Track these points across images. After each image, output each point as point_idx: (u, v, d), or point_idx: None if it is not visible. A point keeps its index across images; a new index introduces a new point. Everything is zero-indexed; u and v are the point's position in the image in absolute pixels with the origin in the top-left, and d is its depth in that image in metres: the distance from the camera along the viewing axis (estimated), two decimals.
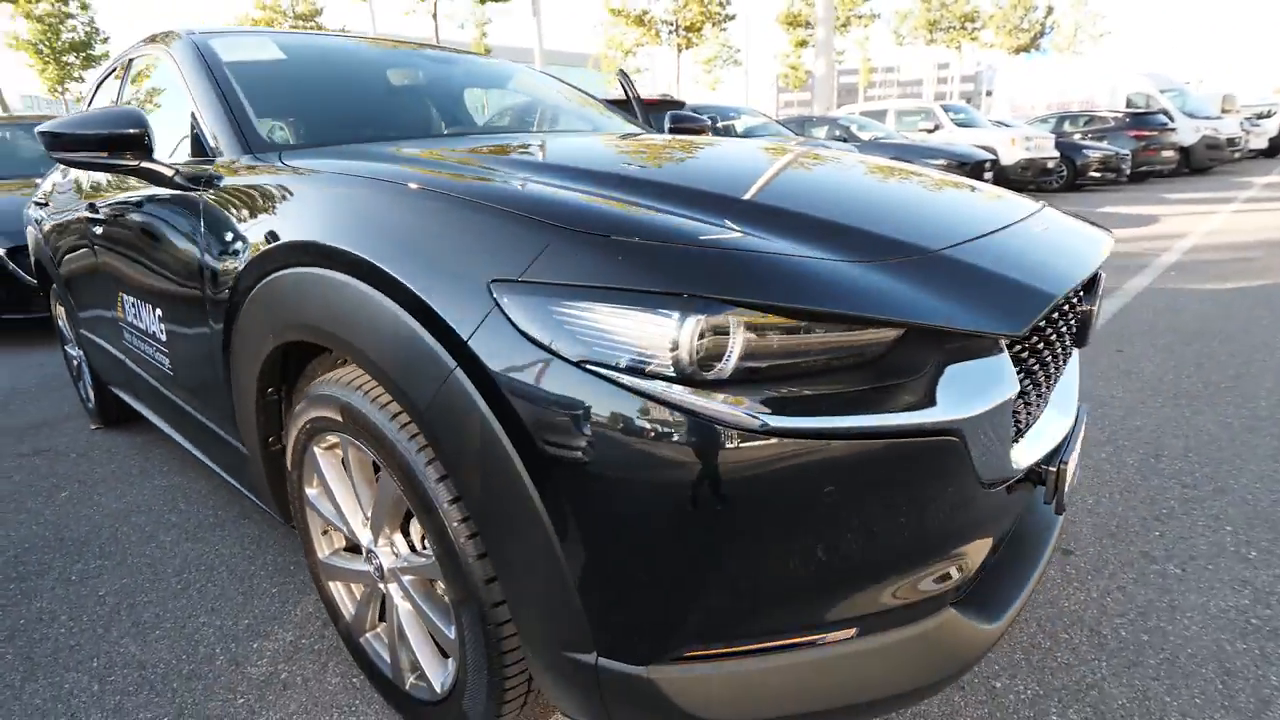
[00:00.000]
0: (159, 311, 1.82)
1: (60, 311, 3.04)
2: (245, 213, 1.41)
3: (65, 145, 1.60)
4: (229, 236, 1.44)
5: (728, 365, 0.86)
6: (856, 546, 0.93)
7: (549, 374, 0.88)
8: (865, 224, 1.08)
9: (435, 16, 21.17)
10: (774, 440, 0.84)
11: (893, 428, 0.88)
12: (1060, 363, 1.34)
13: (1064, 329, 1.27)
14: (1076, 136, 13.58)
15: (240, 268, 1.37)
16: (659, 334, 0.85)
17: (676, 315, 0.85)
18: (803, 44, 31.21)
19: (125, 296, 2.04)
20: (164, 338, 1.84)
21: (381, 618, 1.44)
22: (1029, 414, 1.19)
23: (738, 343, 0.86)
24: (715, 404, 0.84)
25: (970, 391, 0.93)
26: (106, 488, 2.50)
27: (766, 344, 0.87)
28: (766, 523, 0.88)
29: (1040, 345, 1.17)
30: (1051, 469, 1.25)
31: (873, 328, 0.90)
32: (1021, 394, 1.13)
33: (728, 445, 0.84)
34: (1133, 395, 2.94)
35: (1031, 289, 1.01)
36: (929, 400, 0.92)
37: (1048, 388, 1.28)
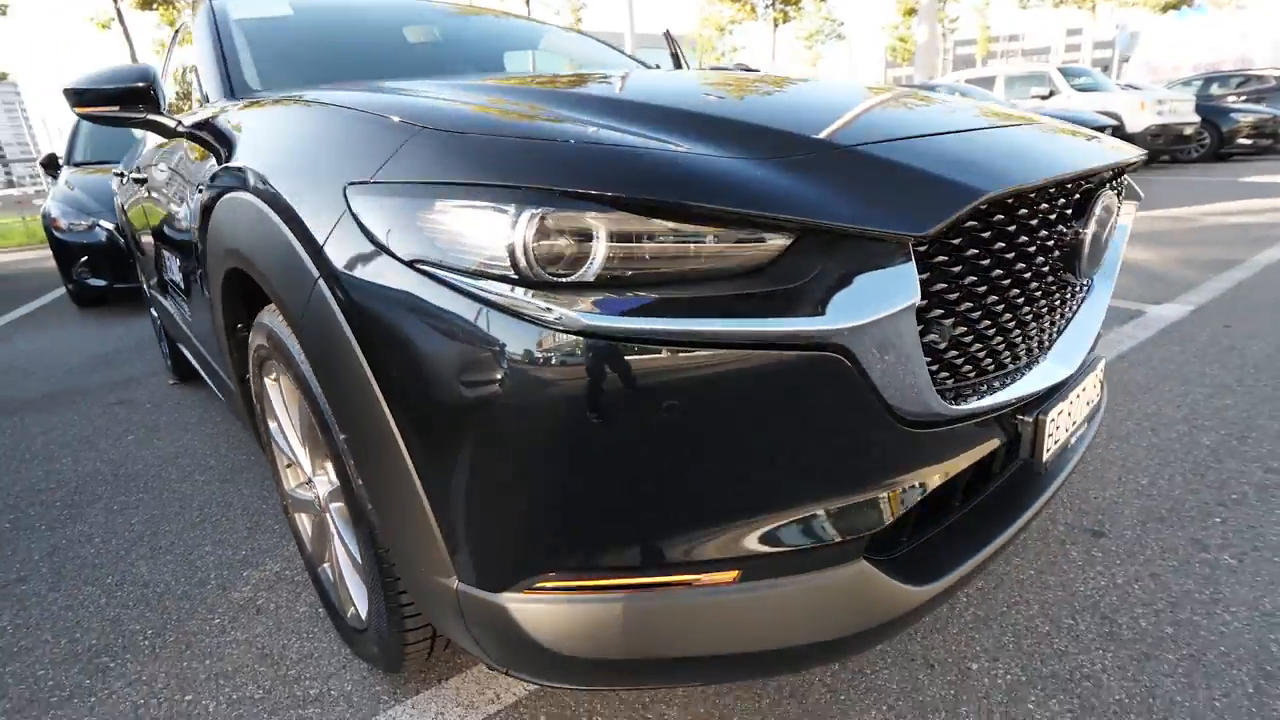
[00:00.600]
0: (176, 261, 1.96)
1: (142, 277, 3.36)
2: (204, 150, 1.48)
3: (85, 101, 1.74)
4: (195, 173, 1.52)
5: (590, 270, 0.78)
6: (728, 475, 0.84)
7: (393, 278, 0.85)
8: (769, 122, 0.97)
9: (529, 2, 21.63)
10: (623, 347, 0.76)
11: (755, 334, 0.77)
12: (1055, 300, 1.15)
13: (1051, 256, 1.08)
14: (1228, 99, 11.94)
15: (203, 201, 1.43)
16: (498, 232, 0.79)
17: (513, 210, 0.78)
18: (911, 12, 29.29)
19: (162, 251, 2.22)
20: (182, 285, 1.97)
21: None
22: (992, 351, 1.03)
23: (599, 243, 0.78)
24: (544, 304, 0.77)
25: (863, 302, 0.80)
26: (165, 433, 2.74)
27: (631, 245, 0.78)
28: (616, 444, 0.81)
29: (1004, 270, 1.00)
30: (1027, 420, 1.09)
31: (750, 226, 0.80)
32: (980, 326, 0.98)
33: (566, 352, 0.77)
34: (1229, 374, 2.54)
35: (952, 185, 0.85)
36: (813, 309, 0.80)
37: (1032, 325, 1.10)
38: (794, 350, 0.79)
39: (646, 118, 0.98)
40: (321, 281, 0.92)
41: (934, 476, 0.97)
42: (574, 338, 0.76)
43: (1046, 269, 1.08)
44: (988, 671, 1.28)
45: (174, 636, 1.52)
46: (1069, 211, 1.10)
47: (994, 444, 1.06)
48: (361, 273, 0.88)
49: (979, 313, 0.97)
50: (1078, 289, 1.27)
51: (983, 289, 0.96)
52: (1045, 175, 0.95)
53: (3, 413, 3.12)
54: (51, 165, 5.13)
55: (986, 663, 1.30)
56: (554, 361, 0.78)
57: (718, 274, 0.81)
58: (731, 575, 0.89)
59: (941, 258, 0.90)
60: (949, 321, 0.93)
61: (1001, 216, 0.97)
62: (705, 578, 0.88)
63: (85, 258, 4.57)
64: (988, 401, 0.99)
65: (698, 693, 1.27)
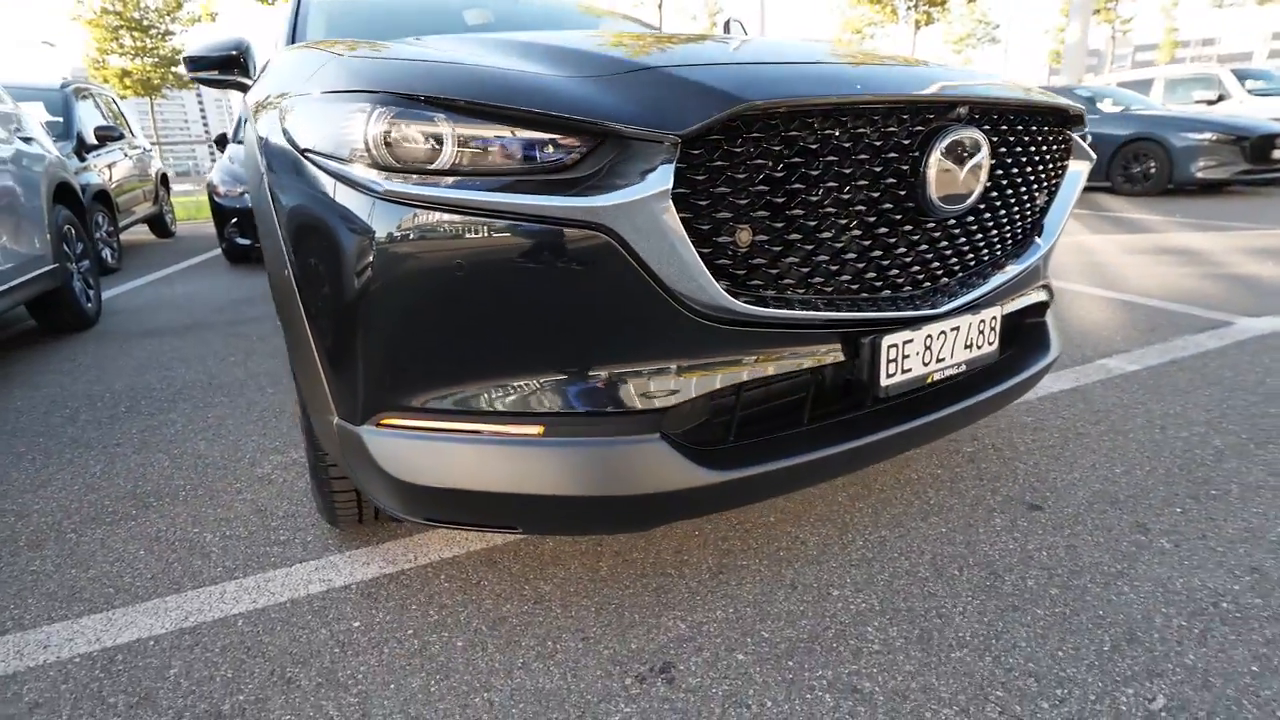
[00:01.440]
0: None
1: None
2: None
3: (195, 68, 2.18)
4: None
5: (439, 163, 0.97)
6: (524, 336, 1.00)
7: (293, 166, 1.09)
8: (607, 52, 1.11)
9: (660, 8, 22.15)
10: (427, 214, 0.95)
11: (534, 208, 0.93)
12: (908, 233, 1.18)
13: (885, 184, 1.13)
14: None
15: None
16: (360, 127, 1.00)
17: (369, 109, 0.99)
18: None
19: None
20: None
21: None
22: (801, 264, 1.10)
23: (446, 140, 0.95)
24: (374, 177, 0.97)
25: (628, 187, 0.93)
26: (261, 357, 3.25)
27: (468, 142, 0.95)
28: (426, 301, 1.00)
29: (810, 186, 1.07)
30: (864, 342, 1.15)
31: (557, 128, 0.95)
32: (782, 236, 1.07)
33: (386, 219, 0.97)
34: None
35: (717, 94, 0.96)
36: (591, 192, 0.94)
37: (861, 249, 1.15)
38: (570, 225, 0.94)
39: (525, 54, 1.16)
40: (265, 173, 1.19)
41: (736, 372, 1.08)
42: (392, 206, 0.96)
43: (878, 196, 1.13)
44: (846, 599, 1.33)
45: (203, 492, 1.89)
46: (908, 142, 1.14)
47: (817, 358, 1.14)
48: (278, 164, 1.13)
49: (781, 224, 1.06)
50: (956, 230, 1.27)
51: (781, 200, 1.05)
52: (833, 94, 1.02)
53: (149, 335, 3.83)
54: (221, 143, 6.10)
55: (849, 592, 1.35)
56: (375, 228, 0.98)
57: (536, 168, 0.97)
58: (538, 429, 1.05)
59: (723, 163, 1.00)
60: (744, 226, 1.03)
61: (815, 136, 1.04)
62: (513, 428, 1.05)
63: (235, 219, 5.40)
64: (797, 313, 1.07)
65: (575, 571, 1.42)
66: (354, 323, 1.04)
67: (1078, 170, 1.52)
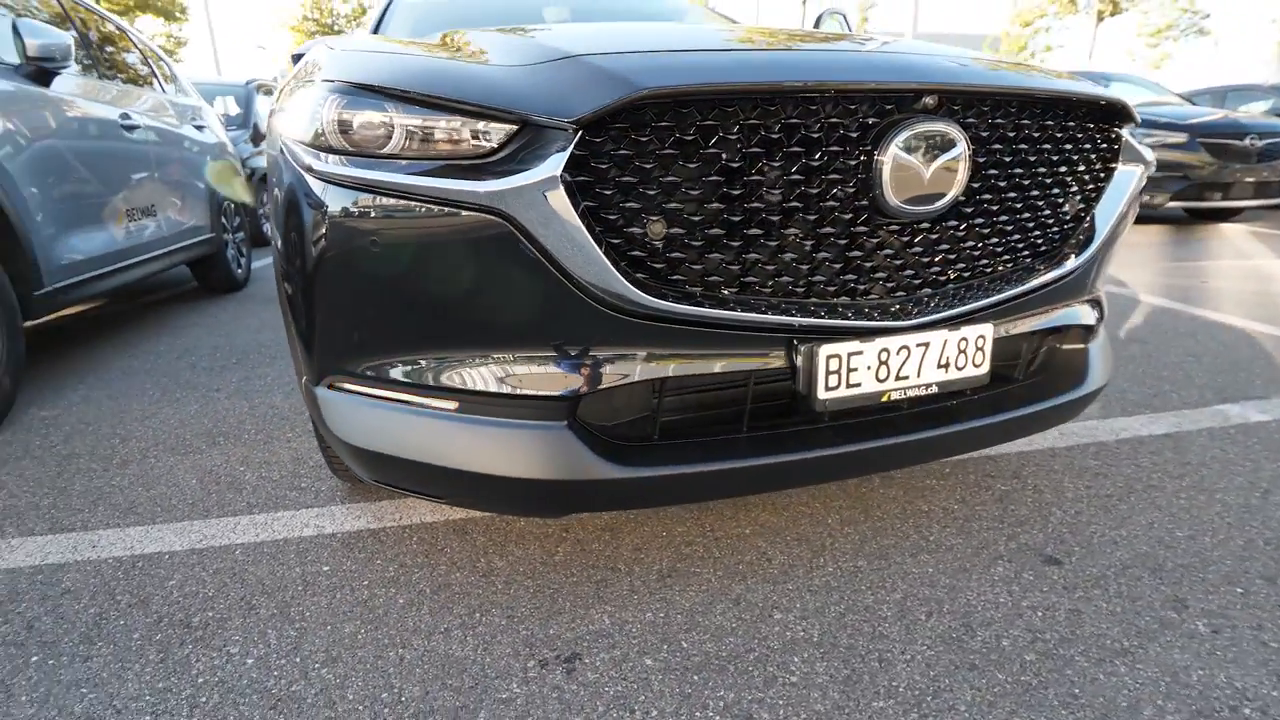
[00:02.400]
0: None
1: None
2: None
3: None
4: None
5: (389, 146, 1.04)
6: (436, 313, 1.05)
7: (275, 146, 1.20)
8: (548, 43, 1.11)
9: (804, 3, 21.38)
10: (345, 193, 1.02)
11: (434, 189, 0.96)
12: (863, 235, 1.08)
13: (828, 179, 1.04)
14: None
15: None
16: (313, 111, 1.08)
17: (325, 96, 1.07)
18: None
19: None
20: None
21: None
22: (722, 258, 1.04)
23: (394, 126, 1.00)
24: (314, 157, 1.05)
25: (523, 172, 0.94)
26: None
27: (410, 127, 1.00)
28: (357, 274, 1.06)
29: (730, 179, 1.00)
30: (800, 349, 1.08)
31: (477, 115, 0.98)
32: (702, 230, 1.01)
33: (317, 197, 1.04)
34: None
35: (614, 80, 0.93)
36: (494, 176, 0.96)
37: (800, 248, 1.06)
38: (470, 209, 0.96)
39: (495, 47, 1.20)
40: (272, 151, 1.33)
41: (655, 368, 1.04)
42: (324, 185, 1.04)
43: (819, 194, 1.04)
44: (786, 624, 1.24)
45: (262, 437, 2.14)
46: (857, 135, 1.03)
47: (746, 363, 1.07)
48: (269, 145, 1.25)
49: (699, 218, 1.00)
50: (934, 234, 1.13)
51: (697, 193, 0.99)
52: (747, 80, 0.95)
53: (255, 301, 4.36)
54: None
55: (793, 617, 1.26)
56: (310, 205, 1.06)
57: (462, 154, 1.00)
58: (453, 405, 1.09)
59: (627, 152, 0.96)
60: (656, 218, 0.99)
61: (737, 126, 0.98)
62: (432, 401, 1.10)
63: None
64: (713, 311, 1.02)
65: (532, 551, 1.44)
66: (301, 292, 1.13)
67: (1128, 174, 1.30)
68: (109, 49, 3.49)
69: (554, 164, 0.93)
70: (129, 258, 3.04)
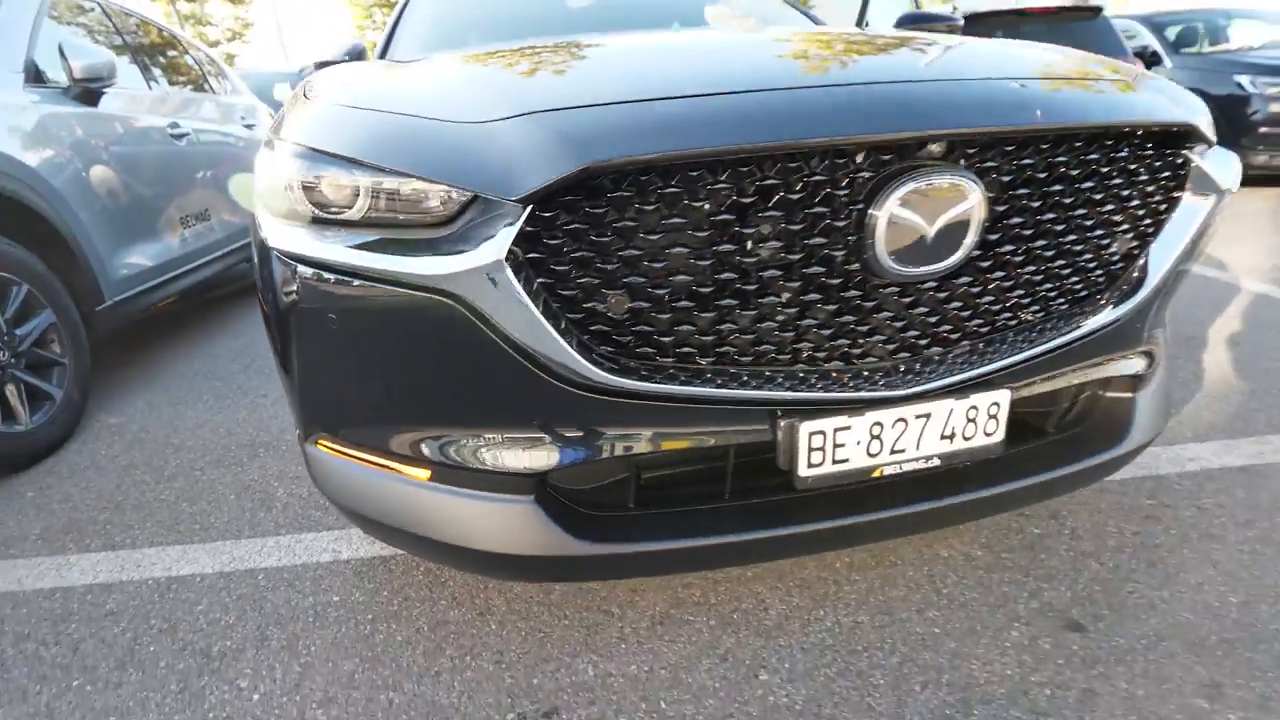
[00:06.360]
0: None
1: None
2: None
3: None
4: None
5: (354, 211, 1.03)
6: (398, 387, 1.05)
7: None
8: (504, 93, 1.06)
9: None
10: (301, 269, 1.02)
11: (380, 270, 0.95)
12: (854, 301, 1.00)
13: (807, 242, 0.95)
14: None
15: None
16: (275, 176, 1.07)
17: (290, 160, 1.06)
18: None
19: None
20: None
21: None
22: (693, 327, 0.98)
23: (360, 193, 0.99)
24: (270, 230, 1.05)
25: (468, 252, 0.91)
26: None
27: (373, 194, 0.98)
28: (328, 347, 1.07)
29: (676, 249, 0.94)
30: (781, 424, 1.02)
31: (415, 181, 0.96)
32: (666, 304, 0.96)
33: (283, 270, 1.05)
34: None
35: (567, 148, 0.88)
36: (443, 252, 0.93)
37: (779, 318, 0.99)
38: (418, 289, 0.94)
39: (460, 90, 1.16)
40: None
41: (625, 443, 1.01)
42: (277, 255, 1.04)
43: (802, 259, 0.95)
44: (770, 687, 1.20)
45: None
46: (846, 193, 0.94)
47: (723, 439, 1.02)
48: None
49: (664, 290, 0.94)
50: (943, 293, 1.03)
51: (662, 265, 0.93)
52: (725, 143, 0.87)
53: None
54: None
55: (779, 680, 1.22)
56: (280, 277, 1.06)
57: (423, 221, 0.98)
58: (426, 474, 1.10)
59: (581, 225, 0.91)
60: (617, 292, 0.94)
61: (703, 191, 0.91)
62: (405, 469, 1.11)
63: None
64: (677, 388, 0.97)
65: (531, 590, 1.46)
66: (279, 354, 1.16)
67: (1196, 206, 1.13)
68: (157, 56, 3.66)
69: (499, 245, 0.89)
70: (187, 263, 3.23)
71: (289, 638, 1.40)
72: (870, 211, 0.92)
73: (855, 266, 0.96)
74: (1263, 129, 5.21)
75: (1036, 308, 1.10)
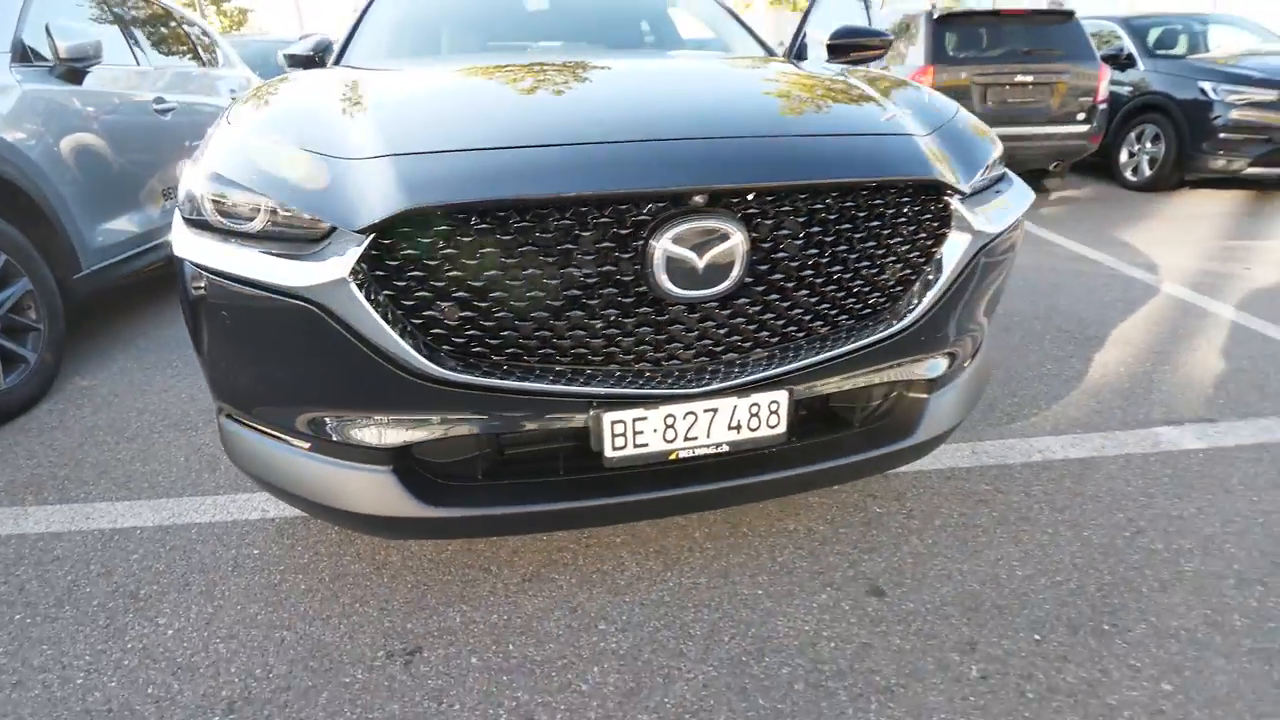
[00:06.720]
0: None
1: None
2: None
3: (291, 64, 2.62)
4: None
5: (253, 225, 1.22)
6: (276, 373, 1.24)
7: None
8: (387, 132, 1.23)
9: None
10: (193, 269, 1.21)
11: (251, 279, 1.14)
12: (637, 306, 1.19)
13: (602, 270, 1.14)
14: None
15: None
16: (188, 188, 1.27)
17: (197, 178, 1.26)
18: None
19: None
20: None
21: None
22: (515, 333, 1.17)
23: (258, 211, 1.19)
24: (178, 222, 1.25)
25: (323, 267, 1.10)
26: None
27: (270, 215, 1.18)
28: (206, 330, 1.27)
29: (499, 270, 1.13)
30: (590, 414, 1.21)
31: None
32: (493, 314, 1.15)
33: (189, 272, 1.24)
34: None
35: (398, 191, 1.06)
36: (308, 262, 1.13)
37: (583, 328, 1.18)
38: (286, 296, 1.13)
39: (349, 126, 1.33)
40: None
41: (469, 425, 1.21)
42: (188, 261, 1.23)
43: (596, 282, 1.15)
44: (605, 635, 1.42)
45: None
46: (628, 232, 1.13)
47: (545, 424, 1.22)
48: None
49: (487, 303, 1.13)
50: (724, 310, 1.22)
51: (481, 284, 1.12)
52: (520, 193, 1.07)
53: None
54: None
55: (615, 629, 1.43)
56: (189, 277, 1.25)
57: (305, 238, 1.17)
58: (307, 445, 1.30)
59: (412, 251, 1.11)
60: (449, 303, 1.13)
61: (506, 228, 1.11)
62: (291, 440, 1.31)
63: None
64: (503, 381, 1.16)
65: (425, 547, 1.67)
66: (194, 341, 1.35)
67: (959, 242, 1.31)
68: (149, 32, 3.80)
69: (346, 264, 1.08)
70: (167, 234, 3.41)
71: (208, 584, 1.62)
72: (650, 244, 1.11)
73: (643, 289, 1.15)
74: (1222, 134, 5.31)
75: (821, 323, 1.29)
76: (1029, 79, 5.23)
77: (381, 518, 1.26)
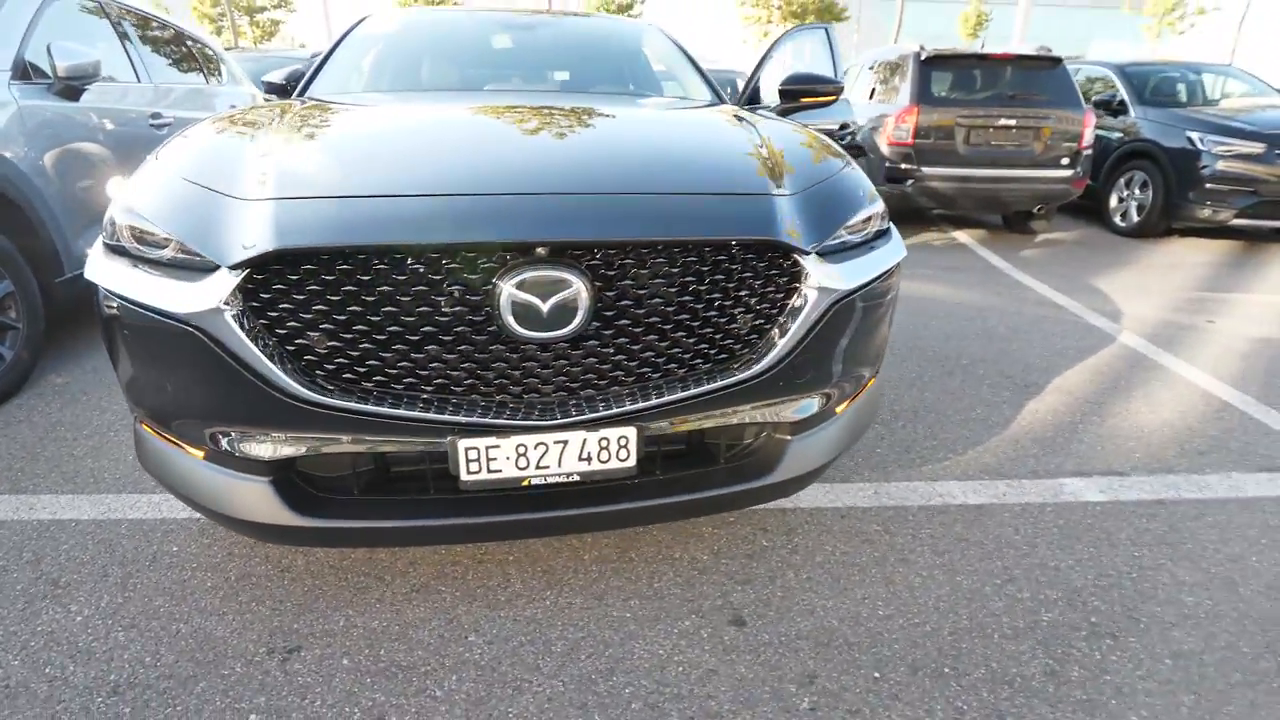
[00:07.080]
0: None
1: None
2: None
3: (267, 90, 2.80)
4: None
5: (164, 254, 1.36)
6: (169, 388, 1.36)
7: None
8: (279, 174, 1.36)
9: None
10: (104, 292, 1.34)
11: (146, 304, 1.27)
12: (490, 343, 1.29)
13: (458, 310, 1.25)
14: None
15: None
16: (108, 218, 1.42)
17: (122, 212, 1.39)
18: None
19: None
20: None
21: None
22: (378, 362, 1.28)
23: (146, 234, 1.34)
24: (101, 259, 1.38)
25: (202, 297, 1.22)
26: None
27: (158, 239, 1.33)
28: (130, 353, 1.39)
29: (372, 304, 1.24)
30: (447, 439, 1.31)
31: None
32: (358, 345, 1.26)
33: (100, 294, 1.37)
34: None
35: (272, 230, 1.19)
36: (189, 292, 1.25)
37: (438, 361, 1.29)
38: (175, 320, 1.26)
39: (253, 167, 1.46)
40: None
41: (340, 442, 1.32)
42: (99, 285, 1.36)
43: (449, 320, 1.26)
44: (473, 646, 1.51)
45: None
46: (476, 277, 1.24)
47: (408, 446, 1.33)
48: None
49: (351, 335, 1.25)
50: (574, 350, 1.32)
51: (344, 318, 1.24)
52: (371, 240, 1.19)
53: None
54: None
55: (483, 641, 1.52)
56: (101, 297, 1.39)
57: (203, 267, 1.30)
58: (202, 452, 1.42)
59: (281, 286, 1.23)
60: (318, 334, 1.25)
61: (365, 269, 1.22)
62: (189, 448, 1.43)
63: None
64: (366, 406, 1.27)
65: (330, 554, 1.77)
66: (109, 354, 1.48)
67: (809, 297, 1.40)
68: (154, 51, 4.03)
69: (219, 294, 1.21)
70: None
71: (124, 576, 1.74)
72: (498, 289, 1.22)
73: (494, 329, 1.26)
74: (1208, 184, 5.33)
75: (675, 365, 1.38)
76: (1013, 122, 5.30)
77: (260, 524, 1.37)
